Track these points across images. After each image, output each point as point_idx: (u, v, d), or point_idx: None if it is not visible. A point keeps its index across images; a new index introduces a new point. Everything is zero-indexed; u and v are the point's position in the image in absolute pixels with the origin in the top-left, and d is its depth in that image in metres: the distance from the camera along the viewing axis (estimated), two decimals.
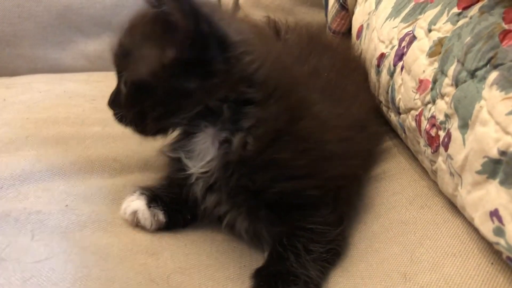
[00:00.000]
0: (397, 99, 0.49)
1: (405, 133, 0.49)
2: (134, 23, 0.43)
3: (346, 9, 0.72)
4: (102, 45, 0.87)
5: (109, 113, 0.62)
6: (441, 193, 0.42)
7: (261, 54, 0.41)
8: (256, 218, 0.44)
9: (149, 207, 0.44)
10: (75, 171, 0.48)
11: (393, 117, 0.52)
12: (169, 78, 0.39)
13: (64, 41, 0.86)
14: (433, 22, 0.45)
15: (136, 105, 0.41)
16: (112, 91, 0.45)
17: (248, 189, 0.42)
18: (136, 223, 0.44)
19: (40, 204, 0.42)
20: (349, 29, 0.72)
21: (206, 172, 0.43)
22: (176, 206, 0.45)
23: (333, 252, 0.43)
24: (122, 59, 0.43)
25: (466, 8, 0.42)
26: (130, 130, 0.44)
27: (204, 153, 0.43)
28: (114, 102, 0.45)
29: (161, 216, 0.44)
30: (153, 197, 0.45)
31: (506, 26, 0.36)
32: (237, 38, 0.40)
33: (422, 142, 0.43)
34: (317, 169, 0.43)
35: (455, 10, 0.43)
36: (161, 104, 0.41)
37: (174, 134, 0.46)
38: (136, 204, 0.44)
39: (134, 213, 0.43)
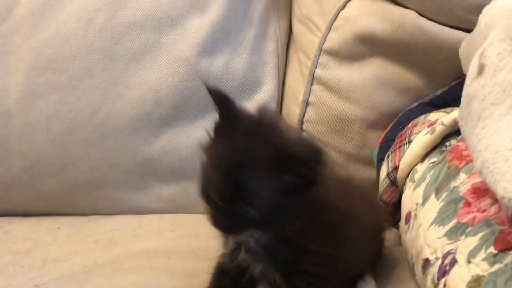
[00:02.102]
0: None
1: None
2: None
3: (396, 185, 0.79)
4: (175, 190, 0.99)
5: (179, 281, 0.71)
6: None
7: None
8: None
9: None
10: None
11: None
12: None
13: (143, 186, 0.98)
14: (472, 254, 0.50)
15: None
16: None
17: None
18: None
19: None
20: (399, 200, 0.79)
21: None
22: None
23: None
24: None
25: (502, 250, 0.48)
26: None
27: None
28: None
29: None
30: None
31: None
32: None
33: None
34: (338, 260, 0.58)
35: (492, 249, 0.49)
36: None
37: None
38: None
39: None
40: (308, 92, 0.98)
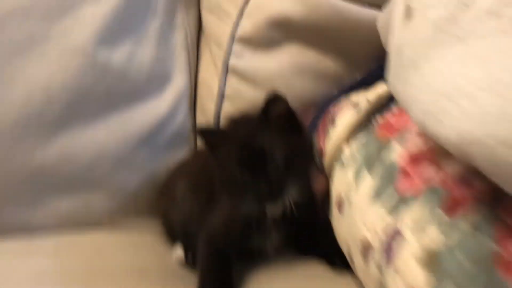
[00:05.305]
0: None
1: None
2: None
3: (322, 173, 0.72)
4: (75, 203, 0.85)
5: None
6: None
7: None
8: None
9: None
10: None
11: None
12: None
13: (36, 200, 0.83)
14: (420, 227, 0.44)
15: None
16: None
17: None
18: None
19: None
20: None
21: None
22: None
23: None
24: None
25: (454, 214, 0.41)
26: None
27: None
28: None
29: None
30: None
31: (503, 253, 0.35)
32: None
33: None
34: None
35: (444, 217, 0.42)
36: None
37: None
38: None
39: None
40: (223, 85, 0.90)
